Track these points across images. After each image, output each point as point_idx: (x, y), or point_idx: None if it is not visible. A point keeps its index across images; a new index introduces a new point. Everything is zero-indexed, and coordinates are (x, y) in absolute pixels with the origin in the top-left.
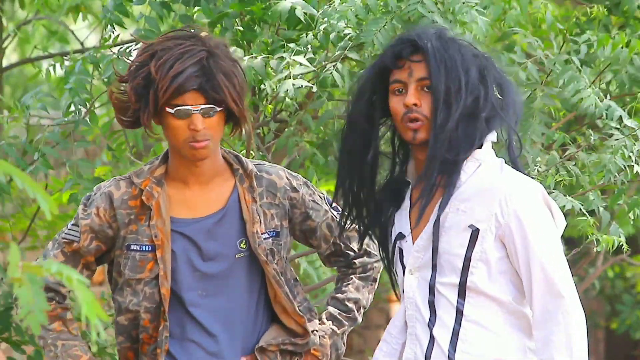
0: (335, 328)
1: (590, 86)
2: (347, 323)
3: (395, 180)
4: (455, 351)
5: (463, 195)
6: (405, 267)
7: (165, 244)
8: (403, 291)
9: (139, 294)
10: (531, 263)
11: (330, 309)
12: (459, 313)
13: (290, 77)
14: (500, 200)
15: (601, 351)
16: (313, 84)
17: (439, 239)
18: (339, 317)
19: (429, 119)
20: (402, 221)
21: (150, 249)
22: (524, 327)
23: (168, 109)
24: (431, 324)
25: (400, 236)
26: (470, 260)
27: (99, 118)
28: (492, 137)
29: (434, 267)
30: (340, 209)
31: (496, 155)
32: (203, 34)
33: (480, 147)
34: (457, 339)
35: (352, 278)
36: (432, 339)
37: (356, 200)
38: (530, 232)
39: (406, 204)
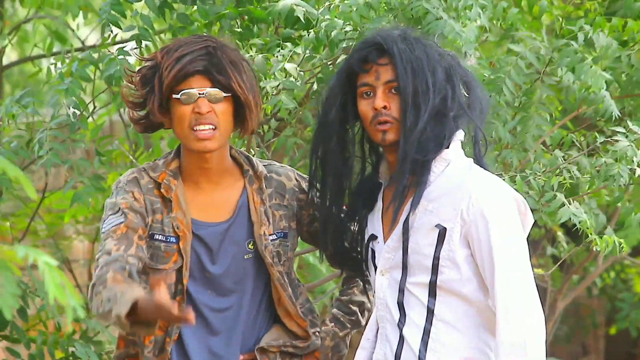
0: (337, 330)
1: (592, 66)
2: (349, 326)
3: (367, 182)
4: (426, 350)
5: (431, 195)
6: (376, 268)
7: (187, 235)
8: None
9: None
10: (495, 264)
11: (334, 311)
12: (430, 312)
13: (280, 90)
14: (467, 198)
15: (601, 349)
16: (312, 82)
17: (409, 239)
18: (342, 319)
19: (398, 121)
20: (374, 222)
21: (175, 240)
22: (494, 326)
23: (174, 96)
24: (401, 324)
25: (373, 237)
26: (439, 259)
27: (98, 119)
28: (459, 136)
29: (404, 268)
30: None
31: (466, 155)
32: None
33: (447, 147)
34: (428, 337)
35: (357, 281)
36: (401, 339)
37: (329, 204)
38: (494, 233)
39: (379, 205)
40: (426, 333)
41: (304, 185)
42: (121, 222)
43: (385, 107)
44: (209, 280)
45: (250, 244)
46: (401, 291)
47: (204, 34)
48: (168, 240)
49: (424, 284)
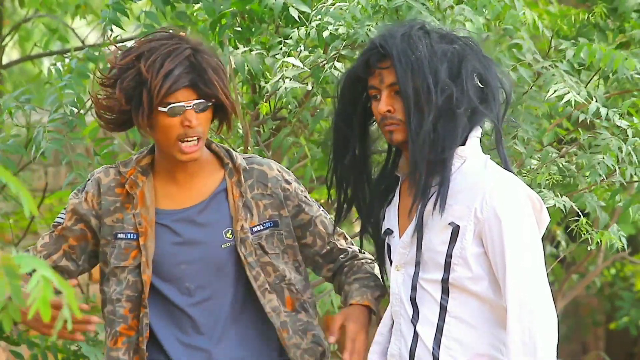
0: (369, 294)
1: (584, 87)
2: (377, 290)
3: (385, 176)
4: (439, 348)
5: None
6: (392, 263)
7: (148, 231)
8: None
9: (123, 282)
10: (506, 264)
11: (354, 286)
12: (443, 309)
13: (284, 80)
14: (481, 197)
15: (601, 348)
16: (308, 83)
17: (422, 236)
18: (366, 286)
19: (404, 122)
20: (390, 217)
21: (135, 237)
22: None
23: (160, 108)
24: (414, 320)
25: (389, 232)
26: (451, 257)
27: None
28: (476, 133)
29: (417, 264)
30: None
31: (483, 151)
32: (181, 33)
33: (464, 144)
34: (441, 335)
35: (360, 264)
36: (415, 335)
37: (349, 198)
38: (508, 232)
39: (395, 199)
40: (439, 330)
41: (288, 177)
42: (61, 223)
43: (389, 111)
44: (184, 270)
45: (228, 232)
46: (414, 287)
47: (171, 32)
48: (128, 237)
49: (436, 281)
